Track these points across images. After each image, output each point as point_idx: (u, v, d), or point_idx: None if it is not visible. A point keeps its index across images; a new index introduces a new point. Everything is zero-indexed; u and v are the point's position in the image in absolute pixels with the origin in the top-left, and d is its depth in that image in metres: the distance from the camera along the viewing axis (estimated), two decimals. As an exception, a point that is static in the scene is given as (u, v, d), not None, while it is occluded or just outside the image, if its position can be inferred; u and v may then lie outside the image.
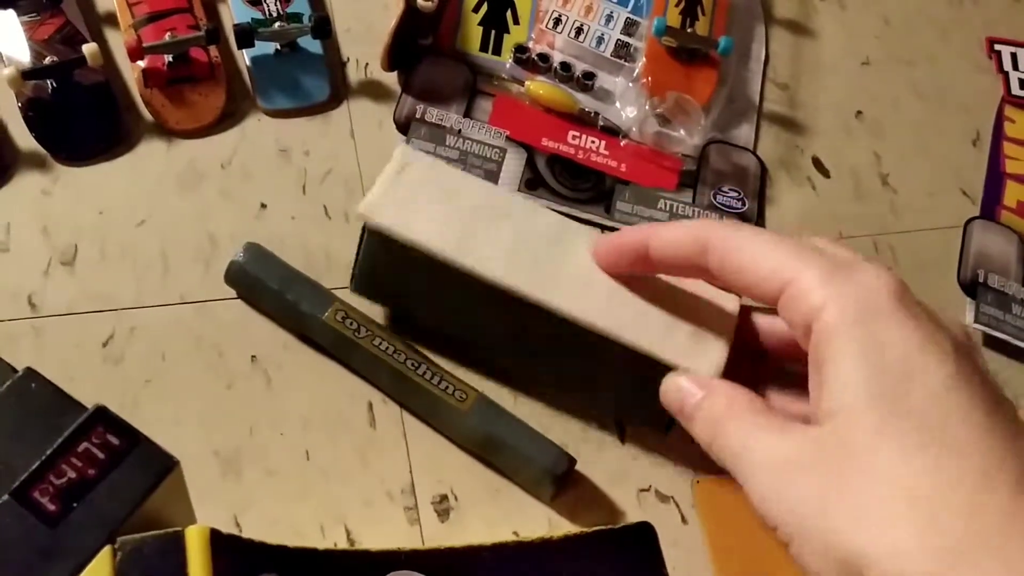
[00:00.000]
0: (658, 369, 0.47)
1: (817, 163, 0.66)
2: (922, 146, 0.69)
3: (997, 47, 0.74)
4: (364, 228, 0.50)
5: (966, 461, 0.31)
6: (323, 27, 0.61)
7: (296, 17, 0.63)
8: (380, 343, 0.52)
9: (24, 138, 0.57)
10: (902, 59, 0.72)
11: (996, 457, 0.31)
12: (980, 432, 0.31)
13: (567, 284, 0.48)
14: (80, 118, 0.58)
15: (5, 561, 0.35)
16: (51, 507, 0.36)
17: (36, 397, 0.40)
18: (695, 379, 0.40)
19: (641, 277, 0.48)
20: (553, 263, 0.49)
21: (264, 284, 0.53)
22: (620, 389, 0.53)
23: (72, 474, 0.37)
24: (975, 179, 0.68)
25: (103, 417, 0.38)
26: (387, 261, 0.51)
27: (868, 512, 0.31)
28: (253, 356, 0.53)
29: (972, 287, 0.62)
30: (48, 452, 0.37)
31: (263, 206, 0.58)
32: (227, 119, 0.60)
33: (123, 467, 0.38)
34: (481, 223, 0.50)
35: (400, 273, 0.51)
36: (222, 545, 0.37)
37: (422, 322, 0.55)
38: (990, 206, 0.66)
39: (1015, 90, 0.72)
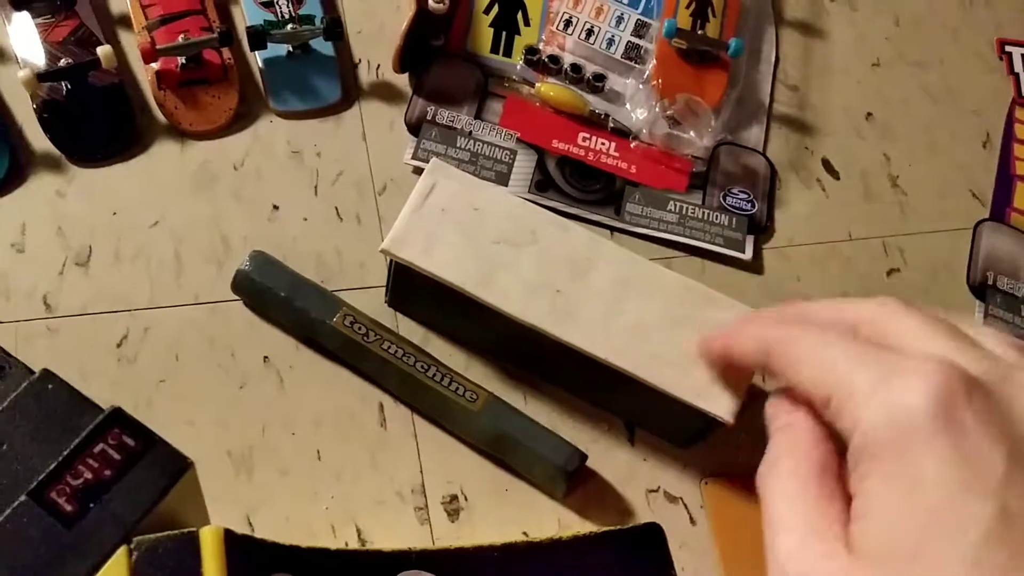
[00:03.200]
0: (676, 400, 0.48)
1: (827, 165, 0.67)
2: (932, 148, 0.69)
3: (1008, 49, 0.74)
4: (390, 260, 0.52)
5: None
6: (335, 29, 0.62)
7: (308, 19, 0.63)
8: (389, 346, 0.53)
9: (39, 139, 0.58)
10: (913, 61, 0.72)
11: None
12: None
13: (586, 319, 0.50)
14: (94, 120, 0.58)
15: (23, 561, 0.36)
16: (68, 507, 0.37)
17: (53, 398, 0.40)
18: (794, 400, 0.36)
19: (658, 312, 0.50)
20: (573, 296, 0.50)
21: (271, 292, 0.53)
22: (641, 409, 0.53)
23: (89, 475, 0.38)
24: (985, 181, 0.68)
25: (119, 418, 0.39)
26: (416, 285, 0.52)
27: None
28: (265, 357, 0.53)
29: (981, 289, 0.62)
30: (65, 453, 0.38)
31: (275, 207, 0.58)
32: (240, 121, 0.61)
33: (139, 468, 0.38)
34: (504, 254, 0.51)
35: (429, 294, 0.52)
36: (236, 545, 0.38)
37: (452, 334, 0.56)
38: (1000, 208, 0.66)
39: (1026, 92, 0.72)
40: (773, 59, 0.70)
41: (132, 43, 0.62)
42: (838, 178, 0.66)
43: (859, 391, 0.32)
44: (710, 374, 0.48)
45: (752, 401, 0.54)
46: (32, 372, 0.42)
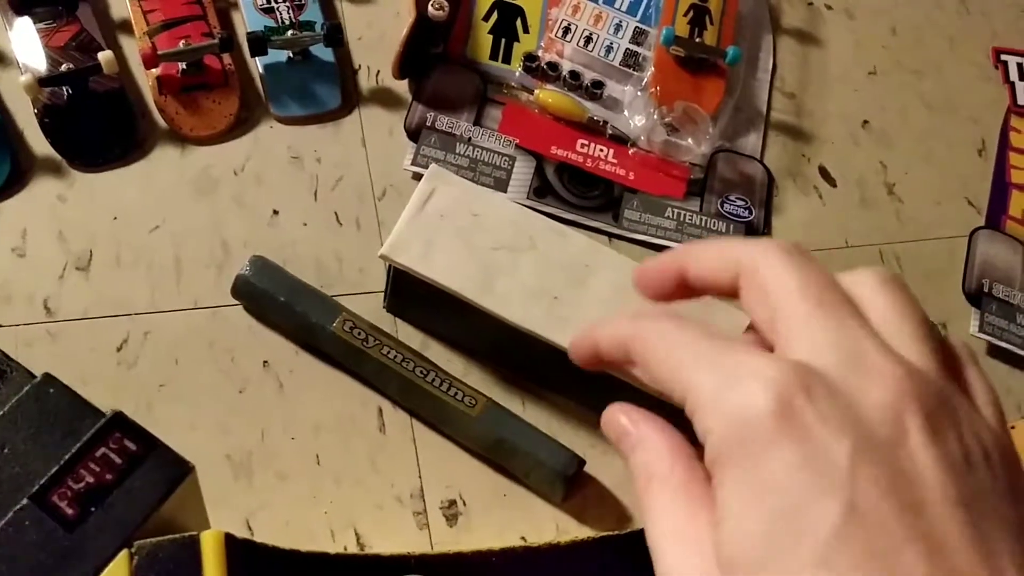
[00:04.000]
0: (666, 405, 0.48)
1: (824, 172, 0.67)
2: (928, 156, 0.69)
3: (1004, 57, 0.75)
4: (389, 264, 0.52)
5: None
6: (335, 35, 0.62)
7: (308, 25, 0.64)
8: (388, 351, 0.53)
9: (40, 144, 0.58)
10: (909, 68, 0.73)
11: None
12: None
13: (583, 325, 0.50)
14: (95, 125, 0.59)
15: (24, 564, 0.36)
16: (69, 511, 0.37)
17: (54, 402, 0.40)
18: (631, 416, 0.36)
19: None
20: (571, 302, 0.51)
21: (271, 296, 0.54)
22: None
23: (90, 479, 0.38)
24: (981, 189, 0.68)
25: (120, 423, 0.39)
26: (414, 290, 0.52)
27: None
28: (265, 361, 0.54)
29: (977, 297, 0.63)
30: (67, 457, 0.38)
31: (275, 212, 0.59)
32: (240, 126, 0.61)
33: (140, 472, 0.38)
34: (503, 260, 0.51)
35: (427, 299, 0.52)
36: (236, 549, 0.38)
37: (450, 339, 0.56)
38: (995, 216, 0.67)
39: (1021, 100, 0.73)
40: (770, 67, 0.71)
41: (133, 48, 0.62)
42: (835, 185, 0.67)
43: (706, 397, 0.31)
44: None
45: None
46: (33, 376, 0.42)
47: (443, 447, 0.53)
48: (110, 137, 0.59)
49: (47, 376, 0.41)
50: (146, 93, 0.61)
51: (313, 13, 0.65)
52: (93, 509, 0.37)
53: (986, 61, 0.75)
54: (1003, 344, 0.61)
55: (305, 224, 0.58)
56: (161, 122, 0.60)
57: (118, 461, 0.38)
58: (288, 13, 0.64)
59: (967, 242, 0.65)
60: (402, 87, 0.65)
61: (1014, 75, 0.74)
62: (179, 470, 0.39)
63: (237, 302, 0.55)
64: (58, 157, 0.58)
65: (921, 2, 0.77)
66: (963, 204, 0.68)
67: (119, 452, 0.39)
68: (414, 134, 0.62)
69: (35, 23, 0.61)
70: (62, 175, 0.58)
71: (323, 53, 0.64)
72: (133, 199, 0.58)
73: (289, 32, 0.62)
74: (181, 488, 0.39)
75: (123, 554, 0.36)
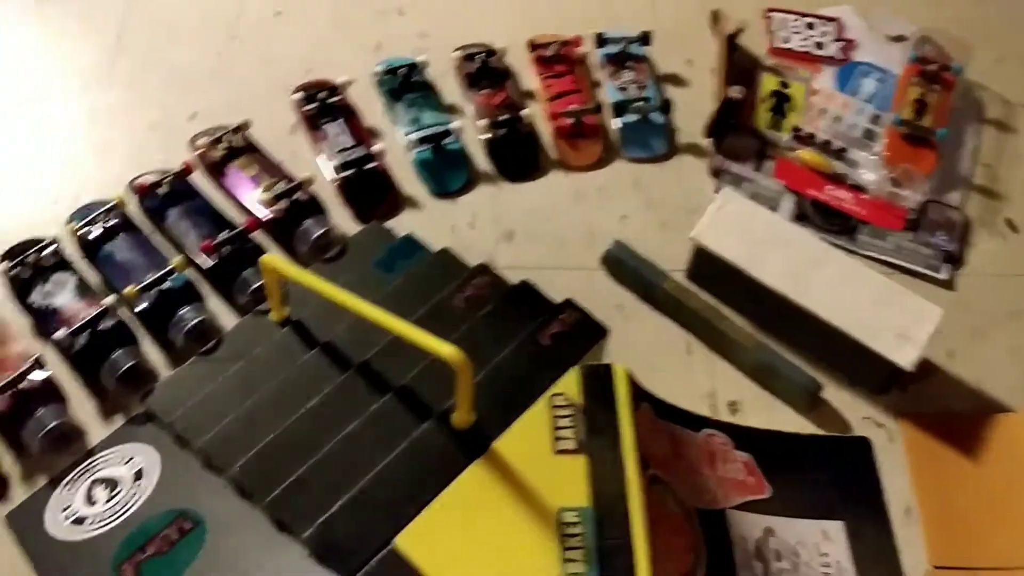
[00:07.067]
0: (875, 354, 0.76)
1: (1009, 223, 0.93)
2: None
3: None
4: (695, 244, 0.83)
5: None
6: (665, 107, 0.94)
7: (647, 99, 0.96)
8: (696, 305, 0.83)
9: (484, 163, 0.93)
10: (1084, 153, 0.98)
11: None
12: None
13: (819, 294, 0.78)
14: (518, 153, 0.93)
15: (525, 365, 0.68)
16: (546, 343, 0.69)
17: (528, 296, 0.73)
18: None
19: (868, 295, 0.77)
20: (812, 278, 0.79)
21: (627, 265, 0.85)
22: (852, 360, 0.81)
23: (555, 330, 0.70)
24: None
25: (570, 304, 0.71)
26: (708, 264, 0.82)
27: None
28: (618, 305, 0.85)
29: (1120, 315, 0.86)
30: (541, 319, 0.70)
31: (623, 217, 0.90)
32: (603, 162, 0.94)
33: (581, 328, 0.70)
34: (768, 249, 0.80)
35: (716, 272, 0.82)
36: (631, 379, 0.69)
37: (728, 300, 0.86)
38: None
39: None
40: (974, 144, 0.97)
41: (537, 108, 0.97)
42: (1016, 232, 0.92)
43: None
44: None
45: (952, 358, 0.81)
46: (509, 283, 0.75)
47: (727, 368, 0.82)
48: (526, 162, 0.93)
49: (523, 282, 0.74)
50: (545, 137, 0.95)
51: (651, 92, 0.98)
52: (558, 344, 0.69)
53: None
54: None
55: (642, 226, 0.90)
56: (554, 155, 0.94)
57: (570, 321, 0.71)
58: (636, 91, 0.97)
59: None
60: (706, 142, 0.96)
61: None
62: (602, 331, 0.71)
63: (602, 268, 0.87)
64: (494, 171, 0.93)
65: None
66: (1117, 252, 0.92)
67: (568, 318, 0.71)
68: (715, 174, 0.93)
69: (480, 91, 0.96)
70: (496, 183, 0.92)
71: (657, 118, 0.96)
72: (537, 200, 0.91)
73: (636, 103, 0.95)
74: (601, 341, 0.71)
75: (575, 368, 0.68)
